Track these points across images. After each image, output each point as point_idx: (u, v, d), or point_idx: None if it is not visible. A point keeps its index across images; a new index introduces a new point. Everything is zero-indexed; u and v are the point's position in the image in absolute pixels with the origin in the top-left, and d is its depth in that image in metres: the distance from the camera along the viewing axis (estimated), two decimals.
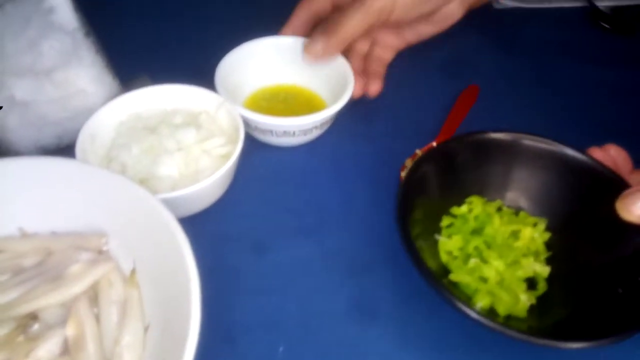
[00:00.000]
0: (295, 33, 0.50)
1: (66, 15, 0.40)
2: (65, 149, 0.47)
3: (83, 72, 0.43)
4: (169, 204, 0.37)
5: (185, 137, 0.40)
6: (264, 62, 0.50)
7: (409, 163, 0.46)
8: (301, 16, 0.50)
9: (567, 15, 0.63)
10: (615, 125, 0.51)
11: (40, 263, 0.34)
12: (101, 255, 0.35)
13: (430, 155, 0.39)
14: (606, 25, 0.61)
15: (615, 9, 0.64)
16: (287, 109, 0.49)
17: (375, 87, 0.49)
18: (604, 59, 0.59)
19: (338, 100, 0.45)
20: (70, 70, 0.43)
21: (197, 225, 0.41)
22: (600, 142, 0.47)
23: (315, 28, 0.47)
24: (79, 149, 0.39)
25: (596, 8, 0.63)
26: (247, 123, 0.43)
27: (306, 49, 0.46)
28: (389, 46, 0.54)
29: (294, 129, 0.44)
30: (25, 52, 0.40)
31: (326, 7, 0.51)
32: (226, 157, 0.41)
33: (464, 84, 0.54)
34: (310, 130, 0.45)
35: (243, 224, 0.42)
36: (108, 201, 0.34)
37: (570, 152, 0.39)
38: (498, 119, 0.51)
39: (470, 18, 0.63)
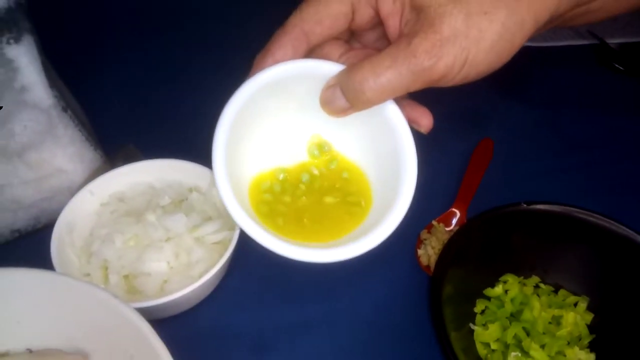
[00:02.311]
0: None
1: (40, 93, 0.36)
2: (42, 230, 0.42)
3: (60, 151, 0.39)
4: (158, 307, 0.32)
5: (174, 224, 0.36)
6: (276, 111, 0.34)
7: (424, 236, 0.41)
8: (289, 46, 0.32)
9: (576, 55, 0.60)
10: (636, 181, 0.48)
11: None
12: None
13: (465, 230, 0.35)
14: (619, 67, 0.58)
15: (624, 46, 0.61)
16: (311, 199, 0.34)
17: (428, 119, 0.34)
18: (622, 106, 0.55)
19: (393, 195, 0.31)
20: (45, 150, 0.38)
21: (187, 322, 0.37)
22: (623, 204, 0.44)
23: (339, 73, 0.31)
24: (54, 244, 0.34)
25: (607, 46, 0.60)
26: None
27: (324, 102, 0.32)
28: None
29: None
30: None
31: (337, 28, 0.33)
32: (222, 244, 0.36)
33: (475, 136, 0.50)
34: None
35: (241, 318, 0.37)
36: (88, 317, 0.29)
37: (618, 228, 0.35)
38: (516, 179, 0.47)
39: None
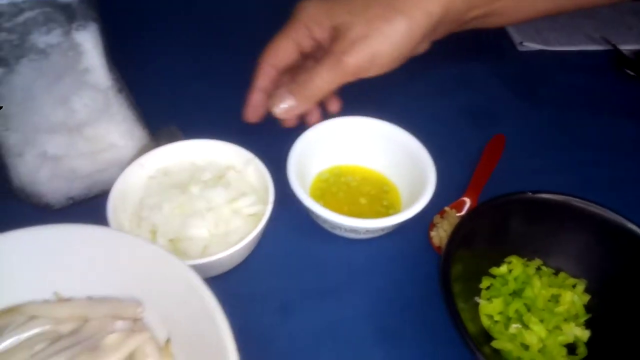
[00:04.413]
0: (263, 95, 0.45)
1: (100, 75, 0.40)
2: (93, 199, 0.46)
3: (114, 128, 0.43)
4: (199, 267, 0.37)
5: (215, 196, 0.40)
6: (333, 142, 0.48)
7: (437, 220, 0.45)
8: (265, 77, 0.45)
9: (591, 60, 0.64)
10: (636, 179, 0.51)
11: (77, 330, 0.34)
12: (136, 324, 0.34)
13: (475, 214, 0.39)
14: (631, 73, 0.61)
15: (637, 53, 0.64)
16: (351, 195, 0.47)
17: (336, 105, 0.47)
18: (630, 109, 0.58)
19: (417, 192, 0.42)
20: (101, 126, 0.43)
21: (222, 284, 0.40)
22: (624, 199, 0.46)
23: (284, 83, 0.44)
24: (110, 208, 0.38)
25: (620, 53, 0.63)
26: (313, 213, 0.42)
27: (271, 104, 0.43)
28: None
29: (365, 229, 0.41)
30: (58, 108, 0.40)
31: (292, 57, 0.45)
32: (256, 216, 0.41)
33: (488, 131, 0.54)
34: (377, 231, 0.43)
35: (268, 284, 0.42)
36: (142, 269, 0.33)
37: (615, 217, 0.39)
38: (524, 173, 0.50)
39: (494, 60, 0.63)
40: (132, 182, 0.42)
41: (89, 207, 0.46)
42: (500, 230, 0.40)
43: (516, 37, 0.66)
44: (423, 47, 0.45)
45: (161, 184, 0.42)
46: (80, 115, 0.41)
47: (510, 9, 0.43)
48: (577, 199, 0.39)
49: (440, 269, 0.36)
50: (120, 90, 0.43)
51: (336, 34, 0.41)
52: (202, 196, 0.40)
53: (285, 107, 0.42)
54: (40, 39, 0.36)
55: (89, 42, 0.39)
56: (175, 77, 0.57)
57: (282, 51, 0.44)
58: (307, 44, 0.44)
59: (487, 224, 0.40)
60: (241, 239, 0.38)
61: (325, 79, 0.41)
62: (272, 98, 0.43)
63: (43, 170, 0.42)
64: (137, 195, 0.42)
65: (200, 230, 0.38)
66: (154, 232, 0.39)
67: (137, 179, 0.42)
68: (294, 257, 0.43)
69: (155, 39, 0.62)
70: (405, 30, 0.40)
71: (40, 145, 0.41)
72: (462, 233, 0.38)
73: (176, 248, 0.39)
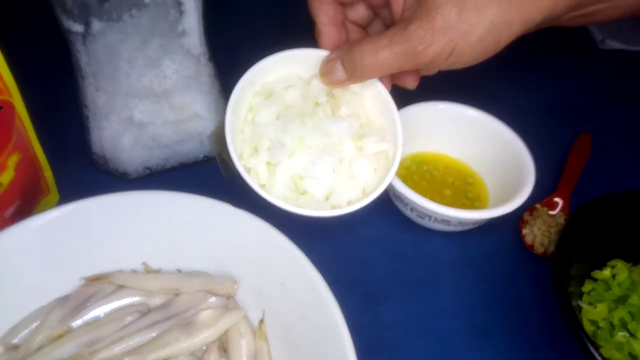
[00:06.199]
0: (334, 42, 0.37)
1: (195, 39, 0.38)
2: (169, 171, 0.45)
3: (201, 97, 0.41)
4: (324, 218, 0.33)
5: (339, 130, 0.35)
6: (415, 127, 0.43)
7: (527, 217, 0.43)
8: (325, 18, 0.36)
9: None
10: None
11: (167, 304, 0.32)
12: (229, 301, 0.32)
13: (582, 214, 0.37)
14: None
15: None
16: (435, 185, 0.45)
17: (412, 80, 0.37)
18: None
19: (512, 189, 0.41)
20: (189, 95, 0.41)
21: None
22: None
23: (341, 48, 0.35)
24: (228, 129, 0.34)
25: None
26: (395, 195, 0.41)
27: (324, 73, 0.36)
28: None
29: (458, 220, 0.39)
30: (149, 71, 0.38)
31: None
32: (380, 155, 0.37)
33: (573, 129, 0.51)
34: (469, 224, 0.41)
35: (352, 271, 0.40)
36: (241, 244, 0.32)
37: None
38: (614, 173, 0.49)
39: (575, 58, 0.61)
40: (242, 102, 0.37)
41: (165, 179, 0.45)
42: (603, 231, 0.38)
43: (597, 34, 0.63)
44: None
45: (273, 106, 0.37)
46: (170, 80, 0.40)
47: (607, 10, 0.38)
48: None
49: (554, 270, 0.34)
50: (210, 59, 0.41)
51: (417, 6, 0.33)
52: (324, 129, 0.35)
53: (334, 79, 0.36)
54: None
55: (191, 2, 0.37)
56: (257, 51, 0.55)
57: None
58: None
59: (591, 225, 0.38)
60: (366, 181, 0.35)
61: (388, 62, 0.33)
62: (323, 64, 0.36)
63: (126, 136, 0.41)
64: (245, 116, 0.37)
65: (326, 169, 0.35)
66: (271, 165, 0.35)
67: (245, 98, 0.37)
68: (377, 245, 0.42)
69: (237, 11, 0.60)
70: (497, 33, 0.33)
71: (127, 110, 0.40)
72: (571, 234, 0.36)
73: (297, 186, 0.36)
